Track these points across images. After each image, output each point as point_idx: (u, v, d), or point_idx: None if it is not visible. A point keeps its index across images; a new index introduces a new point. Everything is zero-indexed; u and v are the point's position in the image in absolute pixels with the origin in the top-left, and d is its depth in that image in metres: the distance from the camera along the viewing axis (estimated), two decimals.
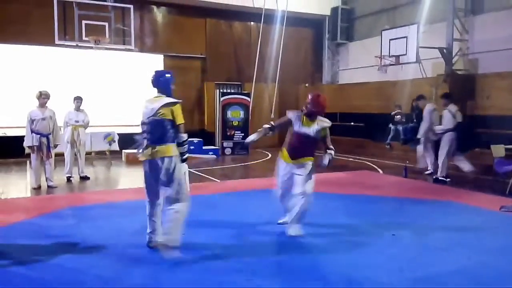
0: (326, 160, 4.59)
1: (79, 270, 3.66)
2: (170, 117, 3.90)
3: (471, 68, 11.42)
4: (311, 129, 4.60)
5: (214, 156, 11.93)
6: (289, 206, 4.67)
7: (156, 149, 3.89)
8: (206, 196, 6.81)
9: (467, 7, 11.48)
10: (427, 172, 8.87)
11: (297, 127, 4.63)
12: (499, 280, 3.53)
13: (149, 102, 4.02)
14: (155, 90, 4.09)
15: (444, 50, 11.38)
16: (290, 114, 4.73)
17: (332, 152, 4.68)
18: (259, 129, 4.86)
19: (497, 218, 5.58)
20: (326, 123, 4.70)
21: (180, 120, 3.96)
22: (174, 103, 3.96)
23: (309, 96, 4.66)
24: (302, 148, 4.66)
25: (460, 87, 11.29)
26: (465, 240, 4.55)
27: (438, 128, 8.43)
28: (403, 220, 5.32)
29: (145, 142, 3.94)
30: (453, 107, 8.31)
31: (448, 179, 8.05)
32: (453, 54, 11.39)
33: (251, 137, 4.87)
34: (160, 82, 4.07)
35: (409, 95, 11.94)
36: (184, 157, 4.07)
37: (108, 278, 3.47)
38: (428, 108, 8.73)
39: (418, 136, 8.86)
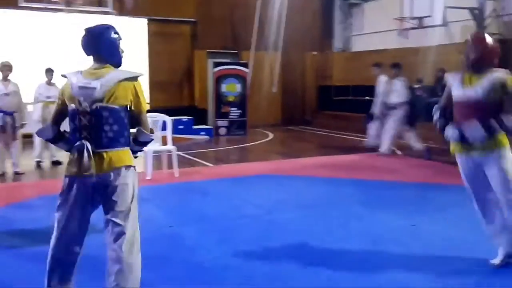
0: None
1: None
2: (128, 102, 2.76)
3: (506, 32, 11.33)
4: (476, 88, 3.35)
5: (207, 137, 11.91)
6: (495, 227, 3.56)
7: (105, 157, 2.70)
8: (197, 182, 6.82)
9: None
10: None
11: (456, 92, 3.49)
12: None
13: (84, 76, 2.78)
14: (92, 58, 2.90)
15: (475, 11, 11.28)
16: (448, 76, 3.73)
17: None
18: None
19: None
20: (501, 73, 3.39)
21: (144, 104, 2.88)
22: (134, 78, 2.82)
23: (468, 40, 3.52)
24: (467, 121, 3.36)
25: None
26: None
27: (392, 101, 8.88)
28: (426, 209, 5.32)
29: (85, 144, 2.66)
30: (403, 78, 9.01)
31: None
32: (486, 16, 11.29)
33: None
34: (100, 44, 2.84)
35: (434, 64, 11.85)
36: (137, 153, 3.05)
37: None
38: (381, 79, 9.20)
39: (374, 111, 9.32)
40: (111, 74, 2.76)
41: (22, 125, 7.47)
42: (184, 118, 11.83)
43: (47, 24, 11.91)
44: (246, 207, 5.49)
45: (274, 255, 3.99)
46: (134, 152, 2.91)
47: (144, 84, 10.73)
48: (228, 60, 13.90)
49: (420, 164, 8.16)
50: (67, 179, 2.79)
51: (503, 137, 3.36)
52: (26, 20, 11.73)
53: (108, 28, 2.94)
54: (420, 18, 11.76)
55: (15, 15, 11.58)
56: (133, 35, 13.00)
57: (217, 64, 13.12)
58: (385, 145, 8.94)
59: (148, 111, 3.33)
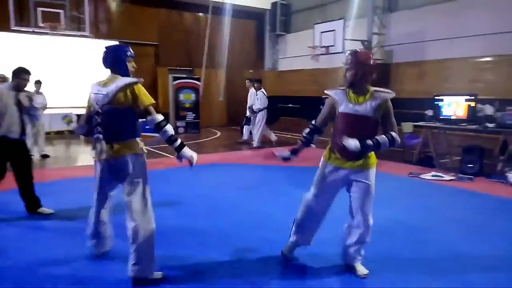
0: (354, 142, 2.64)
1: (41, 243, 3.49)
2: (131, 102, 2.74)
3: (387, 58, 11.93)
4: (365, 106, 2.75)
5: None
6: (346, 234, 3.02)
7: (116, 146, 2.74)
8: (161, 170, 6.69)
9: (384, 5, 11.90)
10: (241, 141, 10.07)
11: (343, 106, 2.81)
12: (407, 233, 3.81)
13: (101, 85, 2.81)
14: (108, 71, 2.90)
15: (365, 42, 11.78)
16: (330, 92, 2.95)
17: (384, 140, 2.75)
18: (298, 144, 3.11)
19: (407, 182, 5.98)
20: (386, 93, 2.82)
21: (147, 100, 2.79)
22: (134, 83, 2.78)
23: (345, 59, 2.80)
24: (359, 138, 2.68)
25: (378, 74, 11.75)
26: (381, 202, 4.83)
27: (256, 107, 9.49)
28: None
29: (100, 137, 2.76)
30: (263, 90, 9.67)
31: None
32: (373, 46, 11.82)
33: (284, 155, 3.12)
34: (113, 59, 2.85)
35: (337, 81, 12.29)
36: (176, 143, 2.84)
37: (69, 247, 3.34)
38: (251, 91, 9.86)
39: (248, 115, 9.83)
40: (116, 82, 2.77)
41: None
42: None
43: (36, 44, 11.12)
44: (199, 188, 5.48)
45: (221, 222, 4.02)
46: (170, 141, 2.83)
47: None
48: (184, 75, 13.67)
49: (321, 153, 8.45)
50: (95, 162, 2.90)
51: (374, 157, 2.90)
52: (18, 41, 10.90)
53: (119, 47, 2.99)
54: (327, 47, 12.10)
55: (8, 36, 10.73)
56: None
57: (175, 78, 12.86)
58: (256, 140, 9.41)
59: None
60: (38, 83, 7.74)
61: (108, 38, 12.44)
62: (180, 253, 3.28)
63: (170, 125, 2.83)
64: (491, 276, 2.95)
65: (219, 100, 14.42)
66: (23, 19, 10.33)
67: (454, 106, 6.84)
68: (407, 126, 7.87)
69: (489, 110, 6.97)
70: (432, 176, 6.19)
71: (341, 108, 2.83)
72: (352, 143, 2.64)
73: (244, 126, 10.05)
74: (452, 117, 6.86)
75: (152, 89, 13.86)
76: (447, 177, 6.11)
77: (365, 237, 2.92)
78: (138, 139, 2.84)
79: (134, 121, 2.83)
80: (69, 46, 11.61)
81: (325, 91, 3.04)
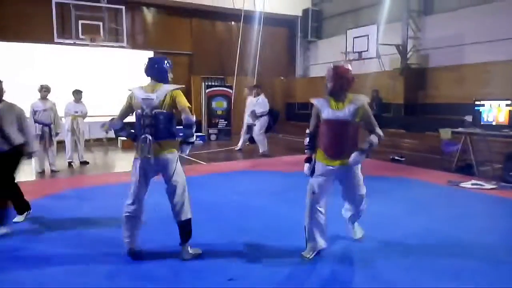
0: (356, 157, 3.18)
1: (80, 245, 3.64)
2: (174, 106, 3.17)
3: (423, 63, 11.61)
4: (345, 112, 3.19)
5: (201, 142, 11.85)
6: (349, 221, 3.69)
7: (161, 145, 3.15)
8: (195, 177, 6.79)
9: (419, 9, 11.61)
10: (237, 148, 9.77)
11: (326, 113, 3.24)
12: (443, 243, 3.66)
13: (145, 90, 3.19)
14: (149, 79, 3.30)
15: (400, 47, 11.53)
16: (315, 101, 3.36)
17: (373, 141, 3.24)
18: (307, 154, 3.46)
19: (445, 191, 5.76)
20: (361, 99, 3.25)
21: (185, 102, 3.19)
22: (176, 89, 3.21)
23: (327, 72, 3.30)
24: (341, 141, 3.23)
25: (414, 79, 11.51)
26: (417, 210, 4.69)
27: (259, 112, 9.13)
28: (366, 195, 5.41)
29: (148, 137, 3.10)
30: (263, 95, 9.31)
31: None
32: (408, 50, 11.55)
33: (307, 171, 3.44)
34: (155, 69, 3.26)
35: (370, 86, 12.08)
36: (191, 140, 3.28)
37: (109, 247, 3.46)
38: (250, 99, 9.47)
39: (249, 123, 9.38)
40: (162, 88, 3.18)
41: (56, 134, 7.34)
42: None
43: (77, 55, 11.69)
44: (231, 195, 5.52)
45: (251, 228, 4.03)
46: (187, 137, 3.23)
47: None
48: (217, 83, 13.91)
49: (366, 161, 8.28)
50: (136, 160, 3.21)
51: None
52: (60, 52, 11.53)
53: (162, 58, 3.39)
54: (360, 52, 11.95)
55: (52, 48, 11.35)
56: (143, 64, 12.91)
57: (208, 86, 13.10)
58: (263, 146, 9.13)
59: None
60: (77, 92, 8.08)
61: (144, 48, 12.91)
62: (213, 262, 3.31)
63: (194, 128, 3.26)
64: None
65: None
66: (65, 31, 10.91)
67: (495, 112, 6.55)
68: (445, 133, 7.59)
69: None
70: (472, 184, 5.93)
71: (324, 115, 3.25)
72: (357, 159, 3.19)
73: (244, 135, 9.69)
74: (493, 123, 6.56)
75: (186, 97, 14.13)
76: (488, 185, 5.83)
77: (362, 208, 3.57)
78: (173, 140, 3.24)
79: (175, 124, 3.23)
80: (107, 57, 12.12)
81: (310, 100, 3.42)
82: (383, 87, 12.09)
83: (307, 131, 3.46)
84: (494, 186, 5.79)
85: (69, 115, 7.96)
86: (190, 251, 3.33)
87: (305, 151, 3.48)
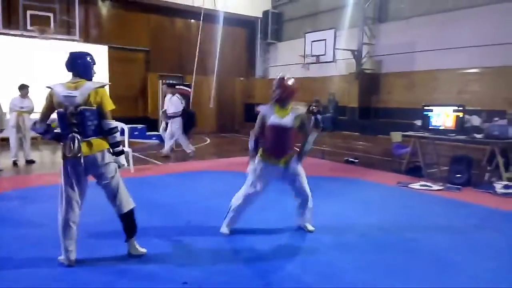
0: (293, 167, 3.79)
1: (22, 249, 3.39)
2: (99, 103, 3.00)
3: (377, 68, 12.07)
4: (287, 119, 3.68)
5: (157, 141, 11.54)
6: (300, 208, 4.01)
7: (89, 144, 2.99)
8: (149, 177, 6.61)
9: (374, 16, 12.07)
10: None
11: (271, 119, 3.68)
12: (394, 241, 3.80)
13: (66, 87, 2.99)
14: (71, 74, 3.10)
15: (355, 52, 11.91)
16: (261, 108, 3.81)
17: (310, 141, 3.87)
18: (251, 155, 3.84)
19: (395, 192, 6.00)
20: (300, 109, 3.83)
21: (109, 105, 3.05)
22: (101, 87, 3.05)
23: (275, 81, 3.76)
24: (284, 143, 3.75)
25: (368, 83, 11.95)
26: (370, 210, 4.85)
27: (170, 112, 8.68)
28: (319, 195, 5.51)
29: (75, 136, 2.94)
30: (179, 95, 8.92)
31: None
32: (362, 56, 11.96)
33: (250, 169, 3.83)
34: (79, 64, 3.06)
35: (327, 89, 12.38)
36: (118, 149, 3.13)
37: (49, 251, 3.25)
38: (167, 96, 9.09)
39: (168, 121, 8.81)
40: (86, 85, 3.00)
41: (1, 130, 6.85)
42: (139, 126, 11.41)
43: (24, 48, 10.93)
44: (187, 195, 5.41)
45: (209, 229, 3.96)
46: (114, 146, 3.10)
47: None
48: (175, 82, 13.60)
49: (315, 162, 8.46)
50: (64, 161, 3.03)
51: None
52: (6, 44, 10.74)
53: (85, 53, 3.15)
54: (317, 56, 12.20)
55: None
56: (96, 58, 12.36)
57: (165, 85, 12.77)
58: (187, 147, 8.74)
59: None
60: (24, 87, 7.55)
61: (98, 42, 12.37)
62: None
63: (119, 133, 3.13)
64: (475, 285, 2.95)
65: (209, 107, 14.37)
66: (12, 21, 10.22)
67: (443, 117, 6.92)
68: (396, 136, 7.94)
69: (476, 121, 7.07)
70: (421, 185, 6.22)
71: (270, 121, 3.68)
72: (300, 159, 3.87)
73: (168, 140, 8.99)
74: (440, 128, 6.93)
75: (142, 95, 13.80)
76: (435, 187, 6.15)
77: (310, 203, 3.95)
78: (102, 137, 3.08)
79: (100, 121, 3.04)
80: (57, 50, 11.47)
81: (257, 108, 3.83)
82: (339, 90, 12.44)
83: (251, 135, 3.83)
84: (441, 188, 6.12)
85: (14, 110, 7.43)
86: (137, 247, 3.26)
87: (250, 153, 3.83)
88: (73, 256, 3.07)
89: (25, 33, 10.28)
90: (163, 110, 8.95)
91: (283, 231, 4.01)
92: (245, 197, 3.79)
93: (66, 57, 3.09)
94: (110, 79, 12.69)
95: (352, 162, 8.41)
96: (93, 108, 2.97)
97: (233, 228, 3.88)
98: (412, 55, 10.93)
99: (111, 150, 3.10)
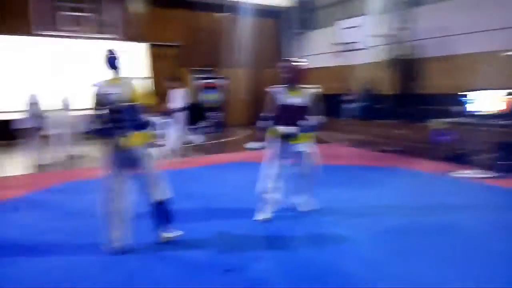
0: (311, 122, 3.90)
1: (73, 238, 3.58)
2: (139, 99, 3.24)
3: (413, 53, 11.64)
4: (299, 98, 3.91)
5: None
6: (302, 182, 4.11)
7: (131, 137, 3.18)
8: (187, 169, 6.77)
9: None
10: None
11: (284, 99, 3.91)
12: (426, 233, 3.66)
13: (110, 84, 3.21)
14: (111, 71, 3.29)
15: (390, 38, 11.54)
16: (271, 89, 4.03)
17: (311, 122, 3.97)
18: (259, 132, 4.05)
19: (436, 180, 5.80)
20: (313, 89, 4.00)
21: (147, 100, 3.35)
22: (140, 83, 3.35)
23: (281, 65, 3.98)
24: (295, 121, 3.92)
25: (404, 69, 11.56)
26: (410, 199, 4.72)
27: (173, 106, 8.10)
28: (358, 184, 5.44)
29: (121, 131, 3.15)
30: (184, 89, 8.37)
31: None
32: (398, 41, 11.57)
33: (255, 145, 4.19)
34: (118, 61, 3.28)
35: (361, 77, 12.10)
36: (152, 140, 3.47)
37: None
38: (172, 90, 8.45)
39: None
40: (127, 82, 3.23)
41: (42, 128, 7.22)
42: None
43: (58, 48, 11.24)
44: (224, 185, 5.49)
45: (246, 218, 3.99)
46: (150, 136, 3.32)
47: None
48: (207, 75, 13.75)
49: (352, 152, 8.33)
50: (110, 154, 3.19)
51: (309, 135, 4.01)
52: (39, 44, 11.10)
53: (122, 52, 3.36)
54: (350, 43, 11.94)
55: (29, 41, 10.96)
56: (132, 57, 12.70)
57: (198, 79, 12.96)
58: (171, 143, 8.11)
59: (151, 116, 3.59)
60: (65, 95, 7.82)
61: (136, 40, 12.69)
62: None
63: (154, 126, 3.46)
64: None
65: (241, 99, 14.43)
66: (47, 23, 10.64)
67: (487, 101, 6.59)
68: (436, 122, 7.64)
69: None
70: (464, 173, 5.98)
71: (282, 100, 3.90)
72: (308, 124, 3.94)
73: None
74: (485, 113, 6.61)
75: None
76: (479, 174, 5.89)
77: (311, 183, 4.07)
78: (142, 130, 3.26)
79: (140, 115, 3.24)
80: (100, 49, 11.86)
81: (266, 89, 4.05)
82: (374, 78, 12.12)
83: (261, 114, 4.05)
84: (485, 175, 5.85)
85: (55, 109, 7.79)
86: (171, 234, 3.40)
87: (259, 130, 4.02)
88: (120, 244, 3.21)
89: (68, 33, 10.71)
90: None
91: (322, 219, 3.99)
92: (265, 179, 3.95)
93: (105, 55, 3.29)
94: (148, 75, 13.07)
95: (390, 151, 8.20)
96: (134, 103, 3.18)
97: (269, 213, 3.95)
98: (450, 38, 10.43)
99: (148, 142, 3.29)
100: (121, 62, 3.28)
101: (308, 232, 3.67)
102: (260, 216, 3.95)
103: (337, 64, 13.41)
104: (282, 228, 3.80)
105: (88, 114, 3.31)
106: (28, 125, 6.94)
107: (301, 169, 4.02)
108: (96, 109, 3.23)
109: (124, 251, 3.20)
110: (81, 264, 3.05)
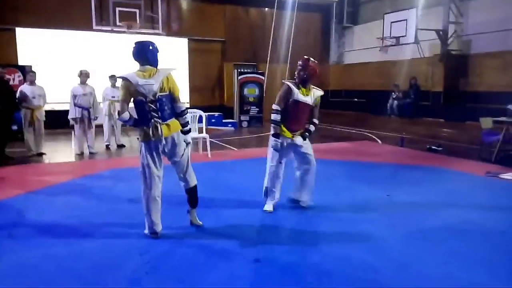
0: (299, 140, 4.01)
1: (114, 221, 3.79)
2: (171, 89, 3.28)
3: (465, 49, 11.06)
4: (309, 98, 3.99)
5: (233, 128, 11.95)
6: (301, 181, 4.17)
7: (168, 126, 3.26)
8: (225, 162, 6.89)
9: None
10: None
11: (296, 95, 3.94)
12: (480, 235, 3.52)
13: (141, 76, 3.18)
14: (141, 62, 3.28)
15: (441, 32, 11.02)
16: (287, 83, 4.03)
17: (312, 127, 4.11)
18: (273, 126, 3.98)
19: (483, 182, 5.51)
20: (320, 91, 4.13)
21: (178, 90, 3.36)
22: (169, 73, 3.31)
23: (299, 62, 4.00)
24: (302, 119, 4.05)
25: (454, 66, 11.01)
26: (454, 201, 4.52)
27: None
28: (398, 183, 5.29)
29: (157, 121, 3.20)
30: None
31: None
32: (449, 36, 11.02)
33: (277, 145, 3.94)
34: (150, 53, 3.27)
35: (407, 73, 11.67)
36: (187, 128, 3.44)
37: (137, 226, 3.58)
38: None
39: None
40: (159, 73, 3.23)
41: (95, 118, 7.62)
42: (216, 113, 11.87)
43: (114, 42, 12.00)
44: (261, 180, 5.52)
45: (279, 211, 4.03)
46: (184, 126, 3.41)
47: (185, 88, 10.88)
48: (249, 70, 13.86)
49: (395, 150, 8.08)
50: (146, 143, 3.26)
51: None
52: (98, 39, 11.90)
53: (151, 42, 3.35)
54: (397, 37, 11.55)
55: (90, 35, 11.72)
56: (177, 50, 13.12)
57: (240, 73, 13.09)
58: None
59: (188, 108, 3.70)
60: (113, 77, 8.16)
61: (179, 35, 13.07)
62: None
63: (188, 115, 3.53)
64: None
65: None
66: (103, 18, 11.23)
67: None
68: (486, 122, 7.23)
69: None
70: None
71: (295, 97, 3.94)
72: (300, 140, 4.02)
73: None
74: None
75: (218, 84, 14.30)
76: None
77: (312, 176, 4.14)
78: (175, 119, 3.35)
79: (173, 105, 3.34)
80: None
81: (283, 81, 4.10)
82: (422, 74, 11.65)
83: (276, 108, 3.97)
84: None
85: (106, 100, 8.19)
86: (196, 218, 3.63)
87: (274, 126, 3.97)
88: (158, 229, 3.35)
89: (115, 29, 11.23)
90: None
91: (355, 217, 3.94)
92: (270, 174, 4.09)
93: (132, 47, 3.27)
94: (190, 70, 13.44)
95: (435, 150, 7.87)
96: (167, 93, 3.24)
97: (277, 204, 4.15)
98: (507, 33, 9.79)
99: (182, 130, 3.40)
100: (156, 54, 3.30)
101: (340, 229, 3.64)
102: (268, 207, 4.10)
103: (382, 59, 13.03)
104: (312, 224, 3.79)
105: (120, 106, 3.31)
106: (82, 115, 7.36)
107: (304, 166, 4.11)
108: (127, 100, 3.23)
109: (158, 236, 3.34)
110: (120, 247, 3.23)
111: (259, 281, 2.68)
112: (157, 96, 3.19)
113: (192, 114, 7.14)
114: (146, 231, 3.38)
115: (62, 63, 11.40)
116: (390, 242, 3.33)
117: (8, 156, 6.88)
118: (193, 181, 3.54)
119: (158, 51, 3.32)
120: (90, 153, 7.58)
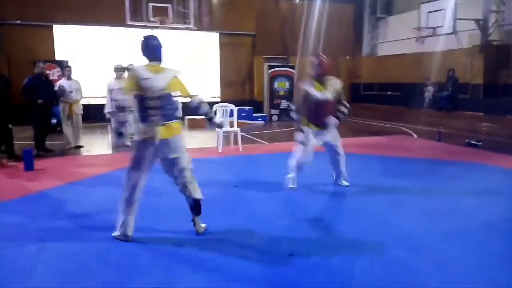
0: (327, 136, 4.42)
1: (152, 209, 3.87)
2: (178, 90, 3.16)
3: (506, 39, 10.50)
4: (328, 93, 4.26)
5: (263, 122, 11.94)
6: (336, 167, 4.69)
7: (168, 128, 3.06)
8: (256, 155, 6.89)
9: None
10: None
11: (314, 96, 4.24)
12: (506, 234, 3.35)
13: (149, 71, 3.05)
14: (149, 58, 3.14)
15: (481, 22, 10.52)
16: (303, 84, 4.36)
17: (344, 109, 4.43)
18: (297, 127, 4.42)
19: None
20: (337, 82, 4.37)
21: (187, 90, 3.21)
22: (177, 75, 3.17)
23: (313, 59, 4.35)
24: (326, 112, 4.33)
25: (495, 57, 10.50)
26: (494, 198, 4.33)
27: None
28: (436, 179, 5.12)
29: (156, 119, 3.02)
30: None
31: None
32: (489, 25, 10.49)
33: (303, 138, 4.34)
34: (157, 49, 3.14)
35: (445, 65, 11.23)
36: (209, 116, 3.40)
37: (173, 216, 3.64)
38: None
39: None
40: (167, 71, 3.11)
41: (131, 111, 7.74)
42: (246, 107, 11.90)
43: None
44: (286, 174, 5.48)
45: (315, 205, 3.99)
46: (205, 114, 3.38)
47: (216, 82, 10.91)
48: (279, 63, 13.77)
49: (432, 144, 7.81)
50: (138, 142, 3.10)
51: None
52: (132, 34, 12.10)
53: (157, 37, 3.19)
54: (434, 28, 11.11)
55: (124, 31, 11.93)
56: (208, 45, 13.21)
57: (271, 67, 13.03)
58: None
59: (218, 102, 3.66)
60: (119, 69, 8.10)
61: (210, 30, 13.14)
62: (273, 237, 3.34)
63: (207, 106, 3.36)
64: None
65: None
66: (137, 14, 11.45)
67: None
68: None
69: None
70: None
71: (314, 98, 4.22)
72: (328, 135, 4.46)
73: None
74: None
75: (248, 78, 14.30)
76: None
77: (342, 162, 4.63)
78: (178, 121, 3.19)
79: (175, 106, 3.29)
80: (175, 39, 12.55)
81: (299, 84, 4.44)
82: (460, 65, 11.17)
83: (294, 107, 4.54)
84: None
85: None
86: (202, 224, 3.30)
87: (296, 123, 4.42)
88: (130, 232, 3.15)
89: (148, 24, 11.43)
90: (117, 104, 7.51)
91: (390, 213, 3.84)
92: (297, 163, 4.44)
93: (141, 41, 3.15)
94: (221, 65, 13.49)
95: (474, 145, 7.55)
96: (173, 93, 3.10)
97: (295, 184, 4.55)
98: None
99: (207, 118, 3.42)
100: (161, 50, 3.16)
101: (375, 225, 3.55)
102: (292, 185, 4.54)
103: (418, 51, 12.59)
104: (347, 220, 3.73)
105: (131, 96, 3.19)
106: (116, 109, 7.54)
107: (333, 156, 4.58)
108: (132, 90, 3.07)
109: (128, 240, 3.15)
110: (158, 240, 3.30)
111: (292, 276, 2.65)
112: (160, 93, 3.02)
113: (224, 108, 7.19)
114: (117, 233, 3.19)
115: (96, 58, 11.73)
116: (428, 240, 3.21)
117: (48, 148, 7.17)
118: (196, 194, 3.18)
119: (162, 46, 3.17)
120: (126, 145, 7.78)
